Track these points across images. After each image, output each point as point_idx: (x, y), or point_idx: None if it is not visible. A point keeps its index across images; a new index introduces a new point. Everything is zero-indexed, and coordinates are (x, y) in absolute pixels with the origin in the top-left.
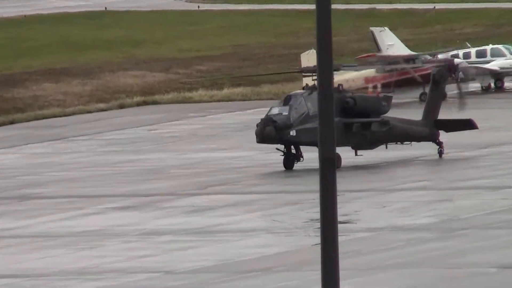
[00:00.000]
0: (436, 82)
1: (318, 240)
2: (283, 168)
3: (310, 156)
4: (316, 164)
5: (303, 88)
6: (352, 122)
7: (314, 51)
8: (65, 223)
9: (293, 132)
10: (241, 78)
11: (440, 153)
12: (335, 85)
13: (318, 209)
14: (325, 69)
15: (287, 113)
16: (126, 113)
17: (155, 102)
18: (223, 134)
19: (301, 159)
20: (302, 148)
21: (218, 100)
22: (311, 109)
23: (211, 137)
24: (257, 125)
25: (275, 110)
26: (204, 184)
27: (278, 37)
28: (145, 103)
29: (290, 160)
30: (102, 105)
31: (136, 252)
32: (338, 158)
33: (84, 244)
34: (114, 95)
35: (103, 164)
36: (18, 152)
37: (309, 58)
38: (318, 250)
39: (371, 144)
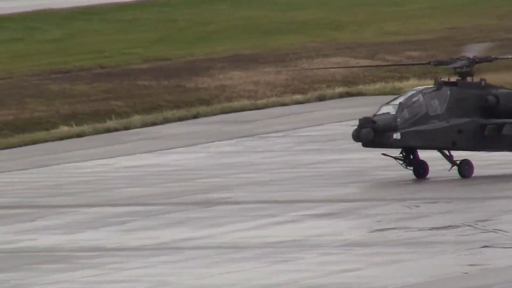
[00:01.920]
0: None
1: None
2: (415, 177)
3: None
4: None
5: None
6: (487, 124)
7: None
8: (255, 233)
9: (397, 135)
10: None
11: None
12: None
13: None
14: None
15: (394, 113)
16: (326, 106)
17: (359, 94)
18: None
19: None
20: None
21: None
22: (434, 108)
23: None
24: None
25: (384, 109)
26: (415, 187)
27: (499, 18)
28: (348, 94)
29: (418, 167)
30: (299, 97)
31: (338, 266)
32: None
33: (277, 256)
34: (312, 85)
35: (299, 164)
36: (202, 151)
37: None
38: None
39: None
